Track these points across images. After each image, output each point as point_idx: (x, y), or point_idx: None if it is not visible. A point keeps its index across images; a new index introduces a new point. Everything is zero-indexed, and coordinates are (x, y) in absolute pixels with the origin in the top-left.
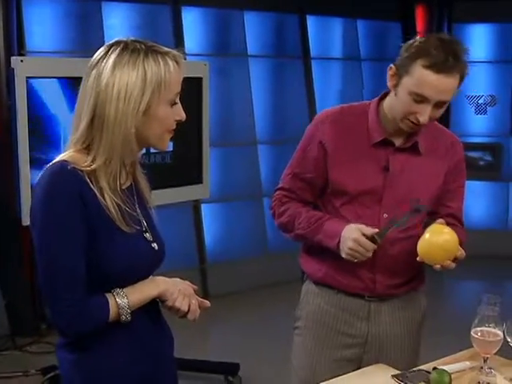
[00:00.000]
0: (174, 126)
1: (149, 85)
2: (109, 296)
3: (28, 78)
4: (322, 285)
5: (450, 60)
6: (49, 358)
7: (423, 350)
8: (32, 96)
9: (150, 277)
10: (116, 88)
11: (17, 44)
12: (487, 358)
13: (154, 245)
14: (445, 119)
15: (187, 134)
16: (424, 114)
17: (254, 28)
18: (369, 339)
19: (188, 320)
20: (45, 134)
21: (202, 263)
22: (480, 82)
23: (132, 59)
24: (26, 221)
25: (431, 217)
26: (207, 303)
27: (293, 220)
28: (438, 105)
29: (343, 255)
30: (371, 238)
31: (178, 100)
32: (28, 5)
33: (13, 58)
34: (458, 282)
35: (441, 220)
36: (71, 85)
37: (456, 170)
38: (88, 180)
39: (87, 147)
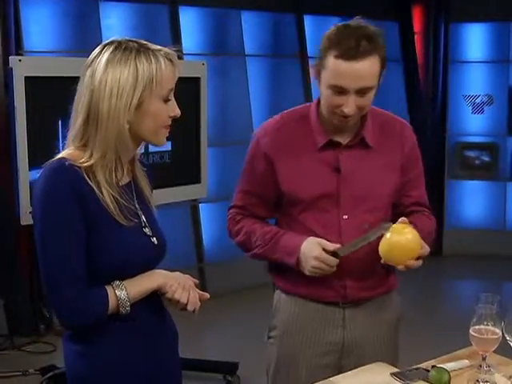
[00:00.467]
0: (169, 123)
1: (140, 81)
2: (108, 288)
3: (26, 77)
4: (294, 294)
5: (363, 44)
6: (47, 357)
7: (421, 348)
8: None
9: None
10: (109, 85)
11: (15, 43)
12: (486, 356)
13: (154, 239)
14: (442, 119)
15: (185, 133)
16: (347, 105)
17: (251, 27)
18: (345, 345)
19: (188, 315)
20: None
21: (200, 262)
22: (477, 81)
23: (124, 57)
24: (24, 220)
25: (395, 210)
26: (207, 295)
27: (249, 238)
28: (361, 92)
29: (306, 273)
30: (333, 253)
31: (172, 97)
32: (26, 4)
33: (11, 58)
34: (455, 282)
35: (402, 219)
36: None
37: (412, 158)
38: (86, 176)
39: (84, 144)
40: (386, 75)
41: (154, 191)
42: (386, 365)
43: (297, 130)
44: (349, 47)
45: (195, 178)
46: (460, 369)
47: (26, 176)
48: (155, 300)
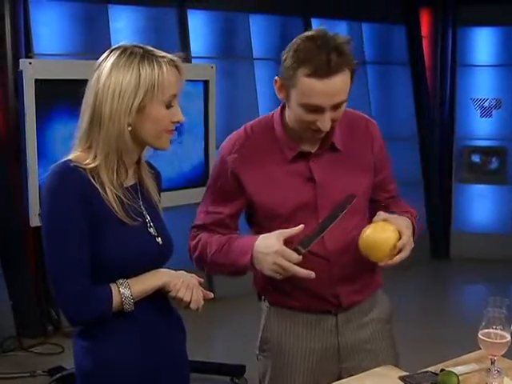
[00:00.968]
0: (172, 128)
1: (142, 85)
2: (112, 286)
3: (36, 79)
4: (286, 307)
5: (333, 59)
6: (55, 358)
7: (430, 352)
8: None
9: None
10: (111, 87)
11: (24, 46)
12: (495, 359)
13: (159, 239)
14: (450, 122)
15: (193, 136)
16: (324, 121)
17: (259, 31)
18: (341, 350)
19: (195, 316)
20: None
21: None
22: (485, 85)
23: (128, 62)
24: (33, 222)
25: (372, 205)
26: (211, 295)
27: (204, 249)
28: (335, 107)
29: (265, 272)
30: (295, 249)
31: (175, 103)
32: (35, 8)
33: (21, 61)
34: (462, 285)
35: (381, 216)
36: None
37: (382, 156)
38: (90, 177)
39: (89, 146)
40: (394, 79)
41: (162, 193)
42: (394, 368)
43: (263, 143)
44: (320, 64)
45: (204, 181)
46: (469, 373)
47: (35, 178)
48: (161, 298)
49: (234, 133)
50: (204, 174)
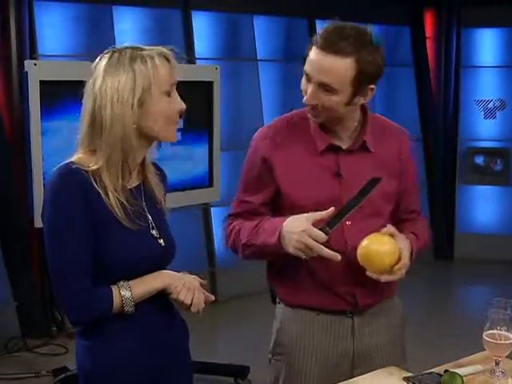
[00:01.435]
0: (177, 118)
1: (138, 84)
2: (113, 288)
3: (41, 81)
4: (301, 307)
5: (344, 42)
6: (59, 359)
7: (435, 353)
8: None
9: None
10: (109, 92)
11: (29, 48)
12: (499, 360)
13: (161, 241)
14: (453, 123)
15: (198, 137)
16: (308, 93)
17: (263, 32)
18: (356, 355)
19: (199, 318)
20: None
21: (211, 267)
22: (489, 86)
23: (119, 64)
24: (38, 223)
25: (393, 215)
26: (212, 297)
27: (238, 235)
28: (323, 87)
29: (290, 250)
30: (321, 229)
31: (173, 90)
32: (40, 9)
33: (26, 62)
34: (466, 287)
35: (386, 229)
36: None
37: (407, 165)
38: (93, 180)
39: (91, 149)
40: (398, 80)
41: (167, 194)
42: (398, 369)
43: (296, 133)
44: (327, 39)
45: (208, 182)
46: (473, 374)
47: (40, 179)
48: (163, 300)
49: (271, 121)
50: (208, 175)
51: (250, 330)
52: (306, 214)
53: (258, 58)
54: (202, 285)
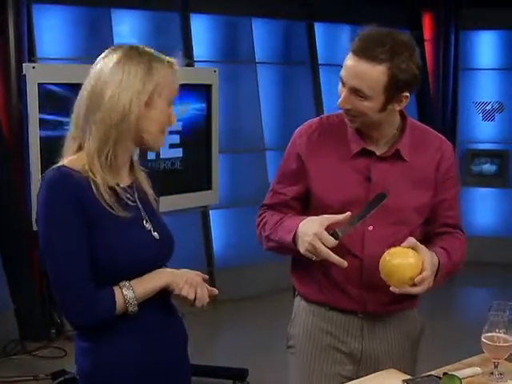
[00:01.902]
0: (168, 128)
1: (154, 77)
2: (115, 289)
3: (39, 84)
4: (314, 302)
5: (379, 50)
6: (58, 362)
7: (433, 355)
8: None
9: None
10: (118, 75)
11: (28, 51)
12: (498, 363)
13: (155, 234)
14: (452, 126)
15: (196, 140)
16: (341, 97)
17: (262, 35)
18: (363, 356)
19: (199, 319)
20: None
21: (210, 269)
22: (487, 88)
23: (139, 57)
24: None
25: (428, 227)
26: (215, 291)
27: (263, 227)
28: (355, 92)
29: (302, 251)
30: (332, 234)
31: (171, 104)
32: (38, 12)
33: (24, 65)
34: (465, 289)
35: (408, 243)
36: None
37: (447, 177)
38: (84, 178)
39: (81, 147)
40: None
41: (165, 198)
42: (398, 371)
43: (333, 134)
44: (363, 45)
45: (206, 185)
46: (472, 376)
47: (38, 181)
48: (163, 300)
49: (311, 119)
50: (206, 178)
51: (249, 333)
52: (321, 217)
53: (257, 60)
54: (204, 280)
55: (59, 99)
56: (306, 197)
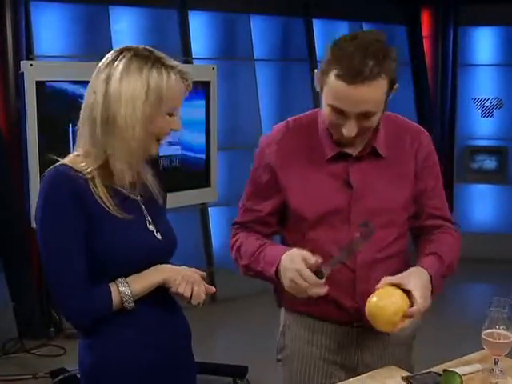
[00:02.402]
0: (168, 136)
1: (150, 95)
2: (111, 285)
3: (37, 81)
4: (305, 313)
5: (369, 65)
6: (57, 360)
7: (433, 352)
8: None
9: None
10: (123, 95)
11: (25, 48)
12: (498, 359)
13: (158, 235)
14: (451, 122)
15: (195, 137)
16: (347, 128)
17: (260, 32)
18: (359, 365)
19: (198, 316)
20: None
21: (209, 266)
22: (486, 84)
23: (138, 68)
24: (35, 224)
25: (415, 223)
26: (213, 289)
27: (238, 251)
28: (363, 115)
29: (285, 287)
30: (316, 272)
31: (177, 112)
32: (36, 10)
33: (22, 62)
34: (465, 286)
35: (383, 283)
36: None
37: (426, 166)
38: (84, 178)
39: (88, 148)
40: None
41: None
42: (397, 368)
43: (303, 139)
44: (351, 68)
45: (205, 182)
46: (472, 373)
47: (37, 180)
48: (164, 297)
49: (277, 125)
50: (205, 175)
51: (249, 330)
52: (303, 253)
53: (255, 57)
54: (202, 278)
55: (57, 96)
56: (283, 210)
